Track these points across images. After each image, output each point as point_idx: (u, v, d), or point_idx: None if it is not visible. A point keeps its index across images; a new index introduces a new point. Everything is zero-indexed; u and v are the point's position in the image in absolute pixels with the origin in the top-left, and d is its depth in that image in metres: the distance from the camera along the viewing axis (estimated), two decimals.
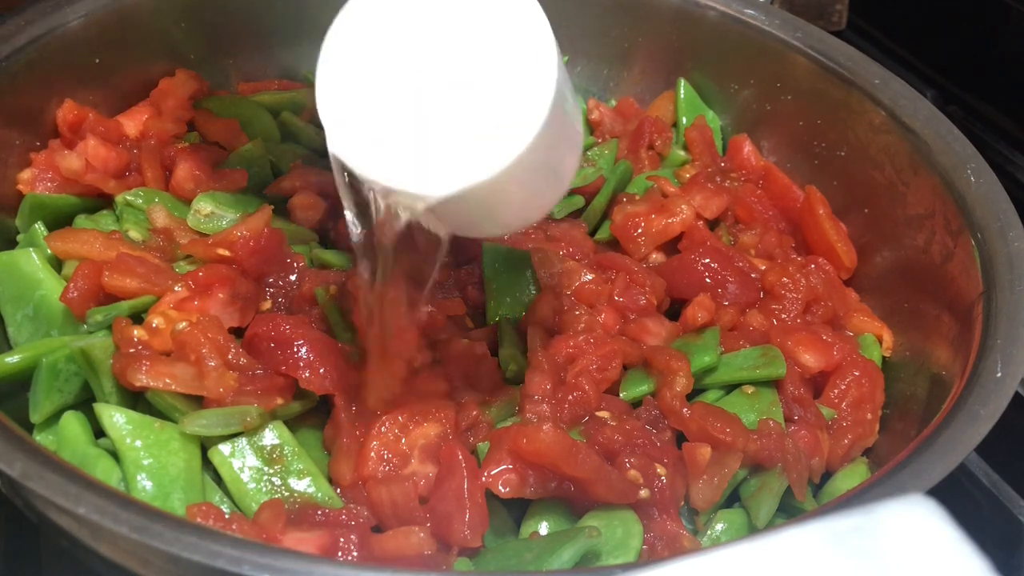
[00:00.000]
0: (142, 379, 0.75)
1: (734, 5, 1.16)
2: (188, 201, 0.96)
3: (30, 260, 0.86)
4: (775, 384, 0.89)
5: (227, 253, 0.87)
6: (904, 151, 1.01)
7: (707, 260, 0.97)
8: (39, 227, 0.91)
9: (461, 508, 0.72)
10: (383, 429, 0.77)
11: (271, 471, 0.76)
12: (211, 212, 0.95)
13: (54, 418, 0.79)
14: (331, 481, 0.78)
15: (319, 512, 0.73)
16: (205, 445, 0.77)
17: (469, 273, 0.95)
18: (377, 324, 0.79)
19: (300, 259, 0.91)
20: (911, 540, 0.45)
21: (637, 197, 1.07)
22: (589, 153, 1.16)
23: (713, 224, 1.07)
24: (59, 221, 0.95)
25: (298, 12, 1.21)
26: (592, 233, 1.06)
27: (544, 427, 0.73)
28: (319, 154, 1.11)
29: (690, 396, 0.85)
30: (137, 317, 0.83)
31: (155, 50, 1.11)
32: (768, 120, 1.17)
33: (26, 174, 0.96)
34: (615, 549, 0.73)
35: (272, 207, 0.91)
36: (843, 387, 0.91)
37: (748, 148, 1.16)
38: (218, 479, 0.77)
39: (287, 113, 1.13)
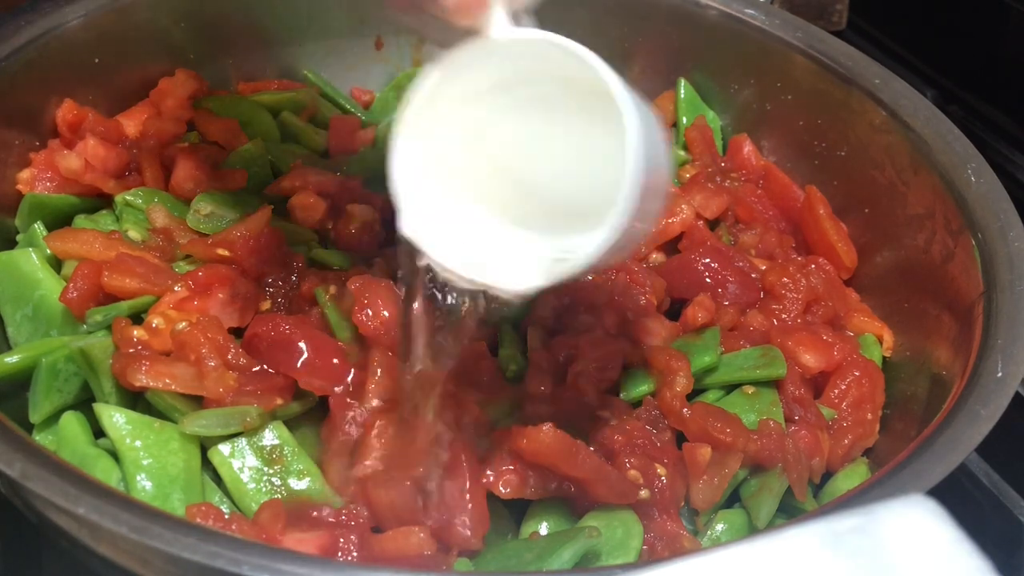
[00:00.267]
0: (142, 379, 0.75)
1: (734, 5, 1.16)
2: (188, 201, 0.96)
3: (29, 260, 0.86)
4: (775, 384, 0.89)
5: (227, 253, 0.87)
6: (904, 151, 1.01)
7: (707, 260, 0.97)
8: (38, 227, 0.91)
9: (462, 508, 0.72)
10: (383, 429, 0.77)
11: (271, 471, 0.76)
12: (211, 212, 0.94)
13: (53, 418, 0.79)
14: None
15: (319, 512, 0.73)
16: (205, 445, 0.77)
17: None
18: (411, 405, 0.75)
19: (300, 259, 0.91)
20: (912, 540, 0.45)
21: None
22: None
23: (713, 224, 1.07)
24: (58, 221, 0.95)
25: (298, 12, 1.21)
26: None
27: (544, 427, 0.73)
28: (319, 154, 1.11)
29: (690, 396, 0.85)
30: (137, 317, 0.83)
31: (154, 50, 1.11)
32: (768, 120, 1.17)
33: (25, 174, 0.96)
34: (615, 549, 0.73)
35: (272, 207, 0.91)
36: (843, 387, 0.91)
37: (748, 148, 1.16)
38: (218, 479, 0.76)
39: (287, 113, 1.13)
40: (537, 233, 0.67)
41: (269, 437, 0.77)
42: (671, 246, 1.03)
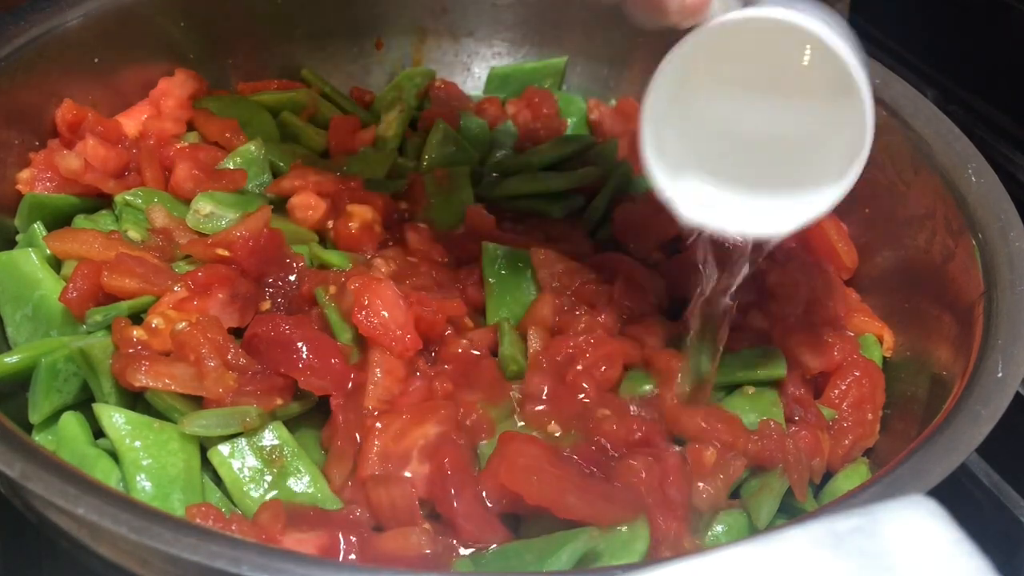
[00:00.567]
0: (141, 379, 0.75)
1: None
2: (187, 201, 0.96)
3: (29, 260, 0.86)
4: (776, 384, 0.89)
5: (226, 253, 0.87)
6: (905, 151, 1.01)
7: None
8: (38, 227, 0.91)
9: (461, 509, 0.72)
10: (383, 429, 0.77)
11: (271, 471, 0.76)
12: (210, 212, 0.94)
13: (53, 418, 0.79)
14: None
15: (319, 513, 0.73)
16: (204, 445, 0.76)
17: (469, 273, 0.95)
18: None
19: (300, 259, 0.91)
20: (912, 541, 0.45)
21: (637, 197, 1.06)
22: (589, 153, 1.16)
23: None
24: (58, 221, 0.95)
25: (298, 12, 1.21)
26: (592, 233, 1.05)
27: (533, 477, 0.70)
28: (319, 154, 1.11)
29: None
30: (136, 317, 0.83)
31: (154, 50, 1.11)
32: None
33: (25, 174, 0.96)
34: (619, 550, 0.73)
35: (272, 207, 0.91)
36: (844, 387, 0.90)
37: None
38: (217, 479, 0.76)
39: (287, 113, 1.13)
40: (768, 192, 0.77)
41: (269, 437, 0.77)
42: (671, 246, 1.03)
